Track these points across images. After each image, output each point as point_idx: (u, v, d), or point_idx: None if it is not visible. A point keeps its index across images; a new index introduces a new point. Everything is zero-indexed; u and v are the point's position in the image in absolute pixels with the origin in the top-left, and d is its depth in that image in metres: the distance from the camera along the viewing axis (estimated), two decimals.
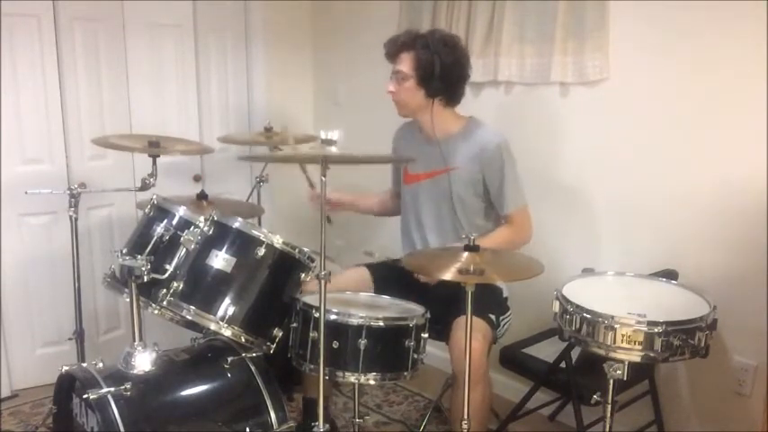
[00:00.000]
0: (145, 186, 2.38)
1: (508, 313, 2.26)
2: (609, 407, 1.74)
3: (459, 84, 2.20)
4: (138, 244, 1.99)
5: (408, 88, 2.17)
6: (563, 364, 2.10)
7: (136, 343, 1.89)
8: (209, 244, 1.91)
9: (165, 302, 1.87)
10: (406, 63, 2.16)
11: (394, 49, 2.19)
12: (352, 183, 2.56)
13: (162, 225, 1.95)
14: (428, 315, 1.98)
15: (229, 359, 1.95)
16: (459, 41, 2.26)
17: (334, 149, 1.71)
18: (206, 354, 2.05)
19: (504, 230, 2.22)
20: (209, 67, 3.28)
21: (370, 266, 2.35)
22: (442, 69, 2.13)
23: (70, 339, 2.47)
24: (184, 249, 1.89)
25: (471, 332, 1.71)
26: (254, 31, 3.39)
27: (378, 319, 1.87)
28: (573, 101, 2.52)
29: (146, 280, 1.83)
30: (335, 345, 1.84)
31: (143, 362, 1.87)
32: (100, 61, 2.91)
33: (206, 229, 1.92)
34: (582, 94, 2.48)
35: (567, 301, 1.69)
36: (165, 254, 1.90)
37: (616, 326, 1.58)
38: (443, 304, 2.00)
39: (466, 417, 1.76)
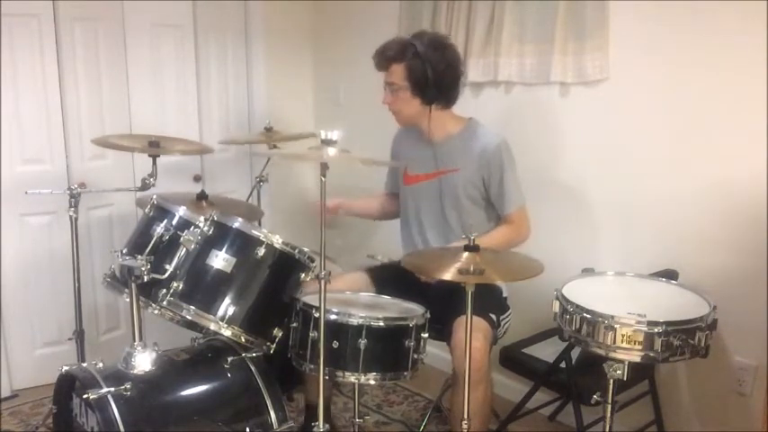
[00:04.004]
0: (145, 186, 2.38)
1: (508, 313, 2.26)
2: (609, 407, 1.74)
3: (453, 86, 2.19)
4: (138, 244, 1.99)
5: (404, 98, 2.16)
6: (563, 364, 2.10)
7: (136, 343, 1.89)
8: (209, 244, 1.91)
9: (165, 302, 1.87)
10: (397, 74, 2.14)
11: (383, 62, 2.17)
12: (353, 183, 2.56)
13: (162, 225, 1.95)
14: (428, 315, 1.98)
15: (229, 359, 1.95)
16: (448, 41, 2.22)
17: (333, 150, 1.71)
18: (206, 354, 2.05)
19: (502, 229, 2.22)
20: (209, 67, 3.28)
21: (369, 270, 2.34)
22: (434, 76, 2.10)
23: (70, 339, 2.48)
24: (184, 249, 1.89)
25: (472, 332, 1.71)
26: (254, 31, 3.39)
27: (378, 318, 1.87)
28: (573, 101, 2.52)
29: (146, 280, 1.83)
30: (335, 345, 1.84)
31: (143, 362, 1.87)
32: (100, 61, 2.90)
33: (206, 229, 1.92)
34: (582, 94, 2.48)
35: (567, 301, 1.69)
36: (165, 254, 1.90)
37: (616, 326, 1.58)
38: (444, 304, 2.00)
39: (466, 417, 1.76)
